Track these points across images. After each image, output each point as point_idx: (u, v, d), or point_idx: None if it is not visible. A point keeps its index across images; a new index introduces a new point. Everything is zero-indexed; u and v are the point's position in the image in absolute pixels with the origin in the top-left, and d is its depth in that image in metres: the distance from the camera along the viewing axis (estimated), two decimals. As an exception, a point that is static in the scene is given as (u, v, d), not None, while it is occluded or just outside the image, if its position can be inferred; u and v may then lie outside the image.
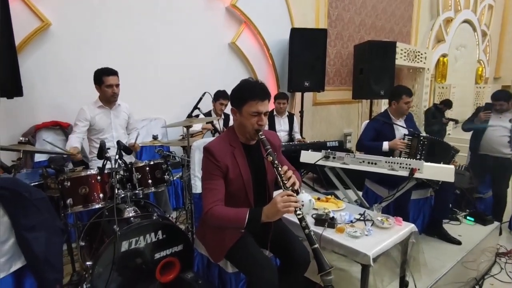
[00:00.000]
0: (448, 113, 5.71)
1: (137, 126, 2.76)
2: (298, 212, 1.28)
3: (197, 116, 3.03)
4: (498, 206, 3.02)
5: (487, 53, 8.82)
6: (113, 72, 2.36)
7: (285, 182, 1.33)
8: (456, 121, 5.48)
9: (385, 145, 2.46)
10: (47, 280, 1.38)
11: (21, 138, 1.94)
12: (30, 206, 1.31)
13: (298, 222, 1.30)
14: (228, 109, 3.39)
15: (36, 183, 1.87)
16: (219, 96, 3.25)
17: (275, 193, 1.39)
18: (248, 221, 1.30)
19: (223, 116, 3.35)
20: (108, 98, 2.39)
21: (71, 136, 2.34)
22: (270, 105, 3.97)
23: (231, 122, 3.43)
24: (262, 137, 1.42)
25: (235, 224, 1.35)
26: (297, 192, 1.37)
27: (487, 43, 8.71)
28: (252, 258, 1.42)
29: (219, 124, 3.11)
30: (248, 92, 1.41)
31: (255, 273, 1.37)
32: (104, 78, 2.33)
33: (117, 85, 2.39)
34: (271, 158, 1.36)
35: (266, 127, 3.59)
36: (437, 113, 5.09)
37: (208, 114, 3.22)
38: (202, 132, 3.14)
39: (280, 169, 1.35)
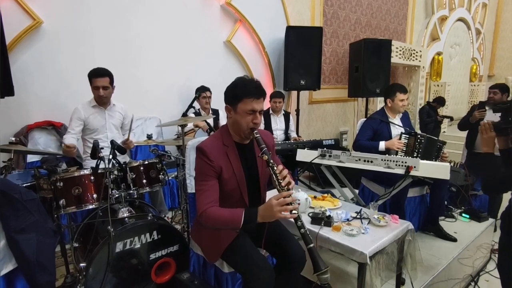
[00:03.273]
0: (443, 111, 5.75)
1: (132, 126, 2.73)
2: (294, 212, 1.26)
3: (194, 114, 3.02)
4: (494, 203, 3.04)
5: (481, 51, 8.89)
6: (102, 74, 2.27)
7: (280, 181, 1.31)
8: (451, 118, 5.51)
9: (382, 144, 2.45)
10: (39, 282, 1.35)
11: (12, 138, 1.91)
12: (20, 208, 1.29)
13: (293, 221, 1.29)
14: (215, 105, 3.38)
15: (28, 184, 1.84)
16: (200, 91, 3.23)
17: (269, 193, 1.38)
18: (243, 222, 1.29)
19: (211, 112, 3.34)
20: (96, 100, 2.36)
21: (66, 136, 2.31)
22: (266, 104, 3.98)
23: (221, 118, 3.42)
24: (257, 135, 1.40)
25: (231, 226, 1.33)
26: None
27: (481, 41, 8.78)
28: (249, 258, 1.41)
29: (212, 122, 3.10)
30: (243, 89, 1.39)
31: (251, 272, 1.36)
32: (92, 79, 2.28)
33: (105, 87, 2.29)
34: (266, 157, 1.34)
35: (262, 126, 3.60)
36: (431, 112, 5.12)
37: (197, 113, 3.20)
38: (194, 130, 3.11)
39: (275, 168, 1.33)
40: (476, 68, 8.71)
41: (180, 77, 3.54)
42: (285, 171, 1.35)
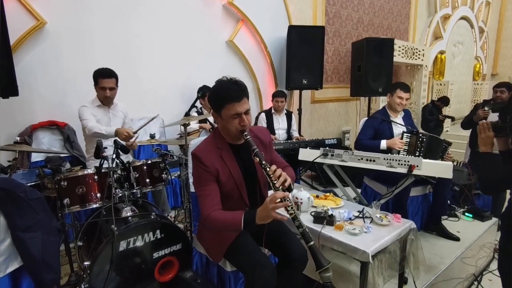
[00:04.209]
0: (446, 110, 5.73)
1: (133, 126, 2.74)
2: (291, 211, 1.26)
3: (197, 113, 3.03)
4: (497, 202, 3.02)
5: (484, 50, 8.83)
6: (109, 75, 2.30)
7: (274, 182, 1.30)
8: (453, 118, 5.50)
9: (383, 143, 2.45)
10: (44, 280, 1.37)
11: (17, 138, 1.93)
12: (25, 206, 1.30)
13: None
14: None
15: (33, 183, 1.86)
16: (205, 91, 3.21)
17: (271, 192, 1.37)
18: (244, 224, 1.30)
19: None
20: (101, 100, 2.38)
21: (91, 124, 2.22)
22: (268, 103, 3.99)
23: None
24: (248, 137, 1.38)
25: (233, 228, 1.35)
26: (290, 189, 1.34)
27: (484, 39, 8.72)
28: (251, 257, 1.41)
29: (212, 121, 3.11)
30: (223, 95, 1.37)
31: (253, 271, 1.37)
32: (99, 79, 2.29)
33: (111, 88, 2.33)
34: (257, 159, 1.33)
35: (264, 125, 3.60)
36: (434, 110, 5.11)
37: (200, 113, 3.20)
38: (199, 131, 3.13)
39: (268, 169, 1.32)
40: (480, 66, 8.66)
41: (181, 77, 3.55)
42: (279, 171, 1.33)
